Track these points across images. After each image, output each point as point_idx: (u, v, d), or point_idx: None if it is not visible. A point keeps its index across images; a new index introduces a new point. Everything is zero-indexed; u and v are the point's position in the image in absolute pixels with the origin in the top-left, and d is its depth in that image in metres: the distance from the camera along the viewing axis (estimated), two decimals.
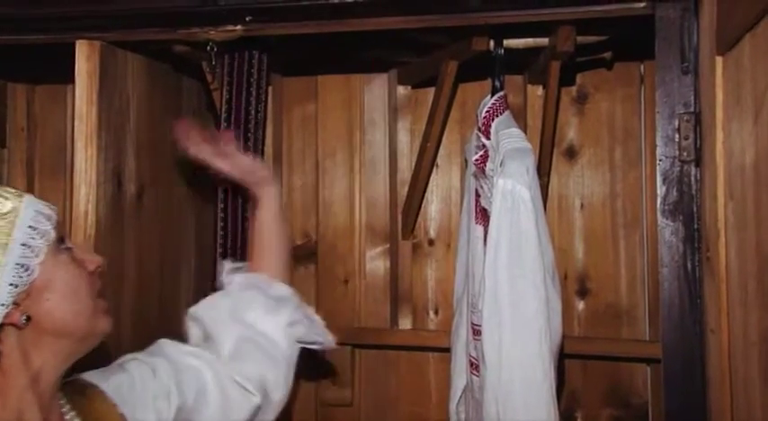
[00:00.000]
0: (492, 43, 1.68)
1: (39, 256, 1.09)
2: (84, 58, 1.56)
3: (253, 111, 1.79)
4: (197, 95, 1.99)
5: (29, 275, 1.08)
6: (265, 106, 1.83)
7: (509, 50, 1.69)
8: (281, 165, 2.14)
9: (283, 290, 1.54)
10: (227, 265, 1.56)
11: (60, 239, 1.13)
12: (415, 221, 2.10)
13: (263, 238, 1.57)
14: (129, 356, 1.33)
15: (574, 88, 2.02)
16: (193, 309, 1.51)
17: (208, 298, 1.53)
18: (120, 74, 1.64)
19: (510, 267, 1.53)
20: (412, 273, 2.12)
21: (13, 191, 1.11)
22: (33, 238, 1.09)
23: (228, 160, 1.54)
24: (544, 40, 1.67)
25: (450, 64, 1.78)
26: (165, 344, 1.39)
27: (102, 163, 1.57)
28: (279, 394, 1.46)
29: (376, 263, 2.14)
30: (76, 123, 1.56)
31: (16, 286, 1.07)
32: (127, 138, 1.66)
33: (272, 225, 1.57)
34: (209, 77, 1.77)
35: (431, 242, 2.12)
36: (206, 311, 1.50)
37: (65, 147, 2.23)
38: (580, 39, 1.61)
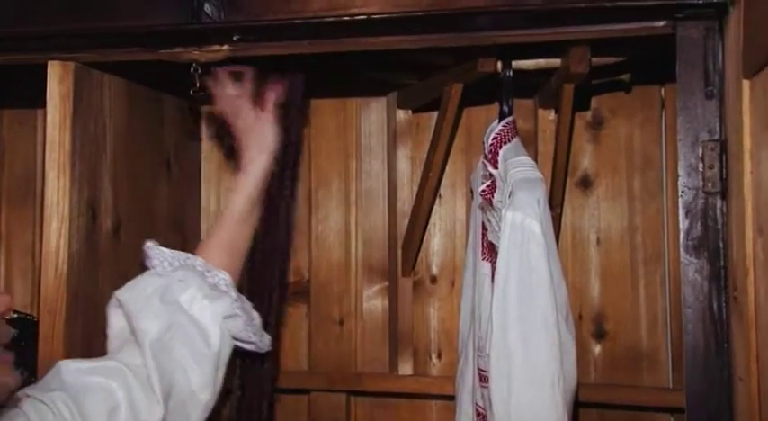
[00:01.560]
0: (500, 64, 1.68)
1: None
2: (57, 80, 1.56)
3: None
4: (181, 120, 1.99)
5: None
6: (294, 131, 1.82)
7: (518, 72, 1.69)
8: None
9: (222, 277, 1.50)
10: (150, 244, 1.52)
11: None
12: (417, 257, 2.10)
13: (218, 229, 1.57)
14: (23, 391, 1.20)
15: (589, 113, 2.03)
16: (118, 292, 1.45)
17: (134, 279, 1.48)
18: (96, 97, 1.64)
19: (519, 307, 1.53)
20: (413, 313, 2.11)
21: None
22: None
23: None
24: (556, 61, 1.67)
25: (454, 87, 1.79)
26: (65, 368, 1.29)
27: (75, 194, 1.56)
28: (205, 395, 1.41)
29: (374, 302, 2.13)
30: (47, 151, 1.56)
31: None
32: (103, 168, 1.66)
33: (233, 216, 1.57)
34: (195, 100, 1.77)
35: (433, 279, 2.12)
36: (131, 293, 1.44)
37: (34, 177, 2.23)
38: (595, 60, 1.61)
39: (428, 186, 1.97)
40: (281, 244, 1.77)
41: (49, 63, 1.56)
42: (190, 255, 1.51)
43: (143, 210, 1.82)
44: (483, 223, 1.71)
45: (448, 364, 2.06)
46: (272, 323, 1.72)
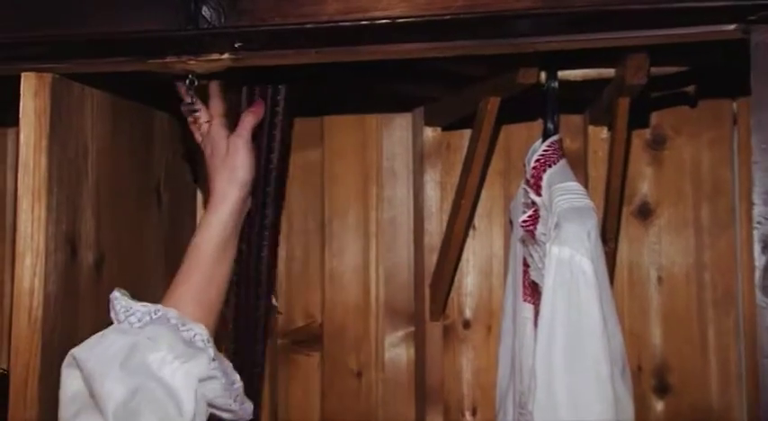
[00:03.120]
0: (543, 75, 1.69)
1: None
2: (32, 95, 1.56)
3: (263, 161, 1.79)
4: (172, 139, 2.00)
5: None
6: (281, 154, 1.83)
7: (565, 84, 1.70)
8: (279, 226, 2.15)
9: (199, 331, 1.48)
10: (117, 294, 1.52)
11: None
12: (447, 298, 2.10)
13: (189, 273, 1.57)
14: None
15: (648, 131, 2.03)
16: (76, 351, 1.44)
17: (96, 335, 1.47)
18: (77, 114, 1.65)
19: (567, 357, 1.52)
20: (443, 363, 2.10)
21: None
22: None
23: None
24: (609, 71, 1.67)
25: (490, 101, 1.79)
26: None
27: (52, 226, 1.56)
28: None
29: (397, 350, 2.13)
30: (20, 176, 1.56)
31: None
32: (84, 195, 1.66)
33: (204, 257, 1.58)
34: (190, 118, 1.78)
35: (467, 324, 2.12)
36: (92, 352, 1.43)
37: (4, 206, 2.25)
38: (655, 69, 1.61)
39: (460, 216, 1.97)
40: (263, 282, 1.80)
41: (23, 75, 1.56)
42: (161, 306, 1.50)
43: (130, 243, 1.82)
44: (524, 259, 1.71)
45: None
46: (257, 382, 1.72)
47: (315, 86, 1.87)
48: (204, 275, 1.57)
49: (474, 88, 1.85)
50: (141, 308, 1.49)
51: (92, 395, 1.40)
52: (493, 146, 2.02)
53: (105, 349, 1.43)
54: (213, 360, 1.46)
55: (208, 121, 1.66)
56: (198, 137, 1.69)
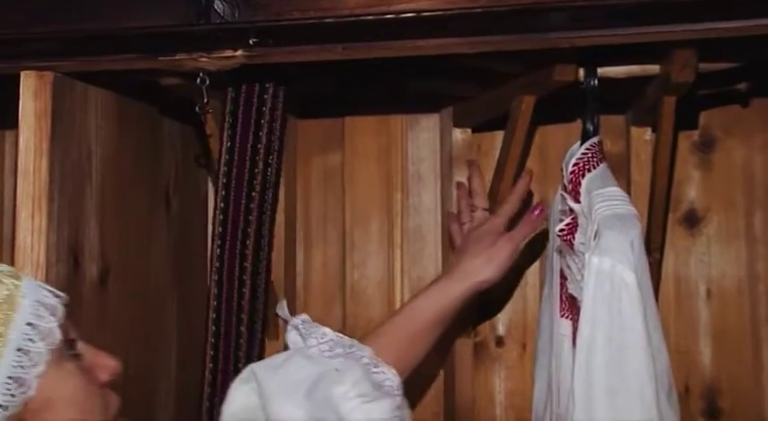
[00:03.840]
0: (582, 72, 1.69)
1: (38, 366, 1.06)
2: (32, 95, 1.57)
3: (261, 164, 1.80)
4: (183, 143, 2.01)
5: (23, 393, 1.05)
6: (279, 156, 1.85)
7: (606, 81, 1.70)
8: (295, 235, 2.16)
9: (391, 376, 1.53)
10: (305, 317, 1.57)
11: (68, 342, 1.12)
12: (478, 313, 2.10)
13: (401, 326, 1.63)
14: None
15: (696, 132, 2.02)
16: (256, 366, 1.50)
17: (279, 355, 1.53)
18: (80, 115, 1.66)
19: (609, 377, 1.52)
20: (474, 383, 2.10)
21: (7, 270, 1.10)
22: (32, 340, 1.06)
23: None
24: (654, 68, 1.67)
25: (524, 100, 1.79)
26: None
27: (53, 235, 1.57)
28: None
29: (424, 369, 2.12)
30: (20, 182, 1.57)
31: (6, 408, 1.04)
32: (88, 203, 1.67)
33: (423, 318, 1.64)
34: (203, 119, 1.79)
35: (499, 341, 2.11)
36: (276, 373, 1.48)
37: (2, 215, 2.26)
38: (703, 65, 1.61)
39: None
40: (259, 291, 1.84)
41: (22, 73, 1.57)
42: (356, 342, 1.55)
43: (136, 254, 1.83)
44: (561, 271, 1.71)
45: None
46: None
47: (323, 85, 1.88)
48: (408, 339, 1.63)
49: (506, 87, 1.85)
50: (335, 337, 1.53)
51: (267, 414, 1.44)
52: (527, 148, 2.01)
53: (291, 373, 1.48)
54: (398, 407, 1.51)
55: (485, 210, 1.87)
56: (463, 219, 1.88)
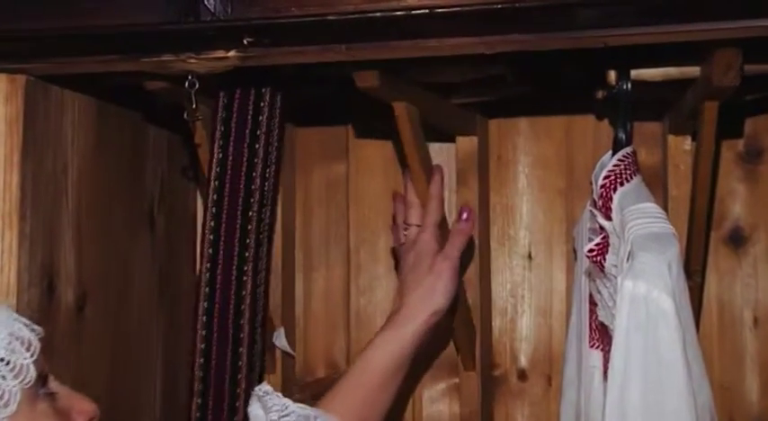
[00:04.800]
0: (613, 74, 1.69)
1: (9, 406, 1.07)
2: (2, 100, 1.58)
3: (258, 178, 1.81)
4: (170, 154, 2.01)
5: None
6: (277, 169, 1.85)
7: (640, 85, 1.70)
8: (294, 256, 2.16)
9: None
10: (269, 388, 1.57)
11: (41, 379, 1.12)
12: (498, 344, 2.09)
13: (353, 387, 1.63)
14: None
15: (740, 141, 2.02)
16: None
17: None
18: (56, 123, 1.67)
19: (645, 414, 1.52)
20: (494, 420, 2.10)
21: None
22: (4, 378, 1.07)
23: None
24: (694, 70, 1.67)
25: None
26: None
27: (25, 257, 1.58)
28: None
29: (438, 406, 2.13)
30: None
31: None
32: (63, 220, 1.68)
33: (373, 376, 1.63)
34: (191, 128, 1.79)
35: (522, 375, 2.11)
36: None
37: None
38: (749, 67, 1.61)
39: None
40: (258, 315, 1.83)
41: None
42: (321, 412, 1.56)
43: (117, 278, 1.84)
44: (591, 296, 1.71)
45: None
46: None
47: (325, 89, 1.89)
48: (369, 395, 1.64)
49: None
50: (299, 410, 1.54)
51: None
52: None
53: None
54: None
55: (418, 226, 1.77)
56: (400, 238, 1.81)
